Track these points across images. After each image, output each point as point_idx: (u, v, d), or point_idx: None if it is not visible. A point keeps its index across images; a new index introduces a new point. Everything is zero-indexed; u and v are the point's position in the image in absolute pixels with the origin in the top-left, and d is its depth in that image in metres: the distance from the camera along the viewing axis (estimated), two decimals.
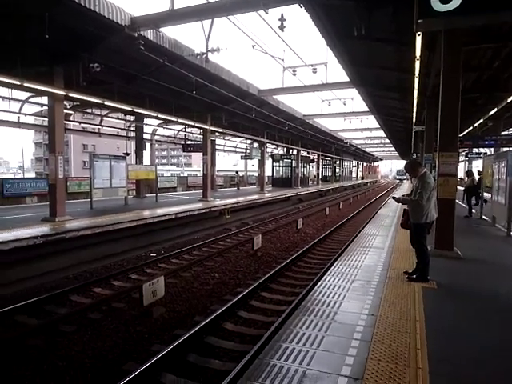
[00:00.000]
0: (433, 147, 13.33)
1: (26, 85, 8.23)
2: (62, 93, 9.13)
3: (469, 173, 13.06)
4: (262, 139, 22.01)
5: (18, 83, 8.08)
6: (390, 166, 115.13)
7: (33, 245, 7.12)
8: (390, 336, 3.26)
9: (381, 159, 77.31)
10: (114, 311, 5.89)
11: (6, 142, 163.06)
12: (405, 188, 32.43)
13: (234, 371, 3.78)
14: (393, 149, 47.98)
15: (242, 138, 25.76)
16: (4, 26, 7.43)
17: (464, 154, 26.44)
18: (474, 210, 11.85)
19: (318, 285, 4.82)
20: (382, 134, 30.52)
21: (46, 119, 13.93)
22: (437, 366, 2.76)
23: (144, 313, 5.63)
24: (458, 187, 19.64)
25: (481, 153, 22.13)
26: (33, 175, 50.41)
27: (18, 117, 13.87)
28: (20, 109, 13.66)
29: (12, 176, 52.23)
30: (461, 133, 18.23)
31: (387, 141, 37.22)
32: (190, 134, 23.57)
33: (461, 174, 23.01)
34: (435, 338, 3.23)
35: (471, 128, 18.06)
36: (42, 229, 8.02)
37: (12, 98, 12.72)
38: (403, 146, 36.61)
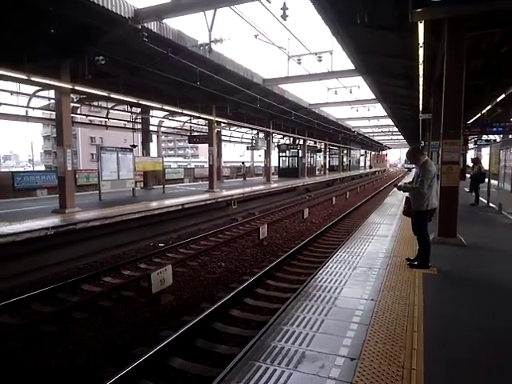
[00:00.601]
0: (440, 135, 13.21)
1: (33, 79, 8.37)
2: (69, 86, 9.25)
3: (475, 160, 12.96)
4: (268, 129, 21.97)
5: (26, 77, 8.22)
6: (399, 154, 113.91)
7: (44, 236, 7.33)
8: (388, 319, 3.36)
9: (389, 148, 76.56)
10: (124, 299, 6.08)
11: (15, 135, 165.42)
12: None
13: (239, 354, 3.91)
14: (401, 137, 47.44)
15: (247, 129, 25.73)
16: (10, 22, 7.53)
17: (473, 141, 26.11)
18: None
19: (320, 271, 4.93)
20: (389, 122, 30.16)
21: (54, 112, 14.14)
22: (432, 348, 2.86)
23: (152, 300, 5.80)
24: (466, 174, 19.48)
25: (490, 140, 21.83)
26: (42, 168, 51.03)
27: (27, 111, 14.06)
28: (28, 103, 13.85)
29: (22, 169, 53.06)
30: (469, 120, 18.00)
31: (395, 129, 36.80)
32: (196, 126, 23.64)
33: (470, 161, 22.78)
34: (433, 322, 3.32)
35: (479, 115, 17.80)
36: (53, 220, 8.23)
37: (20, 93, 12.91)
38: (411, 134, 36.20)
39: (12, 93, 12.39)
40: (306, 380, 2.48)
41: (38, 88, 12.99)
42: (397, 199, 14.04)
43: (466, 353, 2.88)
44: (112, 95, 10.76)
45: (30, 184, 15.39)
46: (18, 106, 13.57)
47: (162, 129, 22.18)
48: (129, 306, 5.78)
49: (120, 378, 3.62)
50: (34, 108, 14.31)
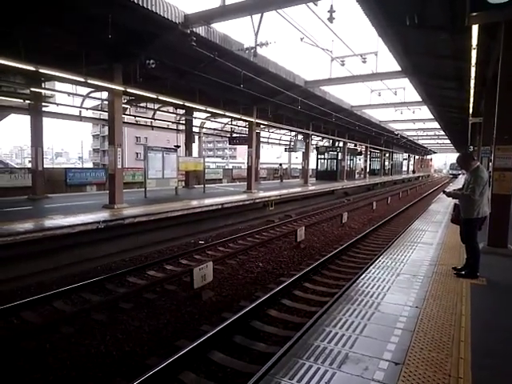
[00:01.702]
0: (491, 140, 12.50)
1: (89, 81, 8.94)
2: (121, 88, 9.77)
3: None
4: (307, 131, 21.84)
5: (83, 80, 8.81)
6: (445, 159, 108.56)
7: (96, 229, 7.81)
8: (433, 327, 3.29)
9: (434, 152, 73.21)
10: (167, 292, 6.35)
11: (66, 134, 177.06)
12: (461, 183, 30.63)
13: (282, 349, 3.97)
14: (447, 141, 45.23)
15: (286, 130, 25.70)
16: (71, 29, 8.10)
17: None
18: None
19: (362, 277, 4.88)
20: (436, 125, 28.88)
21: (103, 113, 14.94)
22: (480, 358, 2.77)
23: (194, 295, 6.01)
24: None
25: None
26: (90, 165, 53.97)
27: (80, 111, 14.97)
28: (81, 103, 14.72)
29: (73, 166, 56.42)
30: None
31: (441, 133, 35.16)
32: (236, 127, 23.99)
33: None
34: (481, 332, 3.21)
35: None
36: (103, 215, 8.73)
37: (75, 94, 13.78)
38: (459, 138, 34.45)
39: (69, 94, 13.24)
40: (350, 380, 2.50)
41: (90, 89, 13.80)
42: (442, 206, 13.47)
43: None
44: (160, 97, 11.23)
45: (80, 180, 16.42)
46: (73, 106, 14.51)
47: (204, 130, 22.72)
48: (172, 299, 6.03)
49: (165, 367, 3.80)
50: (87, 108, 15.20)
